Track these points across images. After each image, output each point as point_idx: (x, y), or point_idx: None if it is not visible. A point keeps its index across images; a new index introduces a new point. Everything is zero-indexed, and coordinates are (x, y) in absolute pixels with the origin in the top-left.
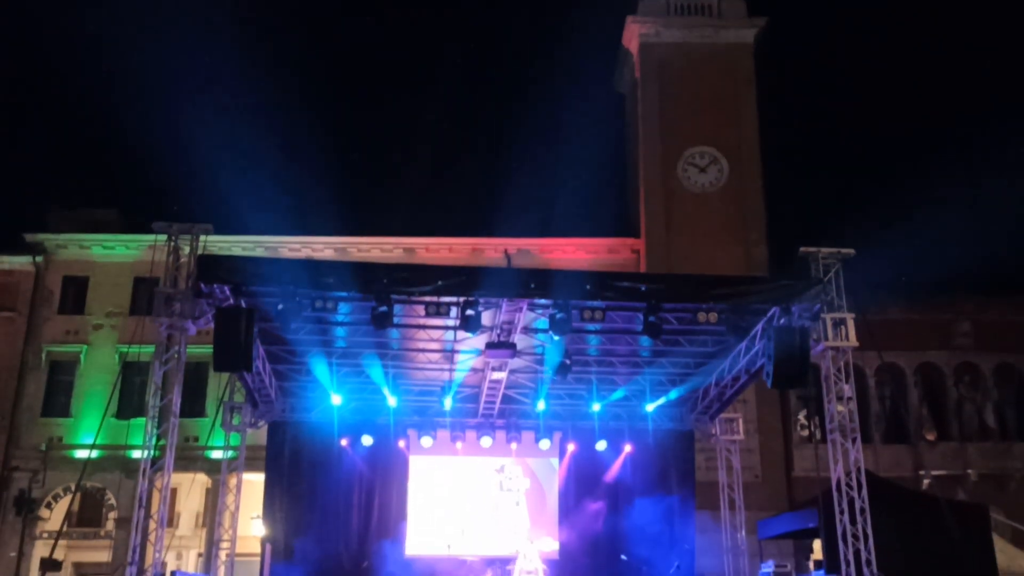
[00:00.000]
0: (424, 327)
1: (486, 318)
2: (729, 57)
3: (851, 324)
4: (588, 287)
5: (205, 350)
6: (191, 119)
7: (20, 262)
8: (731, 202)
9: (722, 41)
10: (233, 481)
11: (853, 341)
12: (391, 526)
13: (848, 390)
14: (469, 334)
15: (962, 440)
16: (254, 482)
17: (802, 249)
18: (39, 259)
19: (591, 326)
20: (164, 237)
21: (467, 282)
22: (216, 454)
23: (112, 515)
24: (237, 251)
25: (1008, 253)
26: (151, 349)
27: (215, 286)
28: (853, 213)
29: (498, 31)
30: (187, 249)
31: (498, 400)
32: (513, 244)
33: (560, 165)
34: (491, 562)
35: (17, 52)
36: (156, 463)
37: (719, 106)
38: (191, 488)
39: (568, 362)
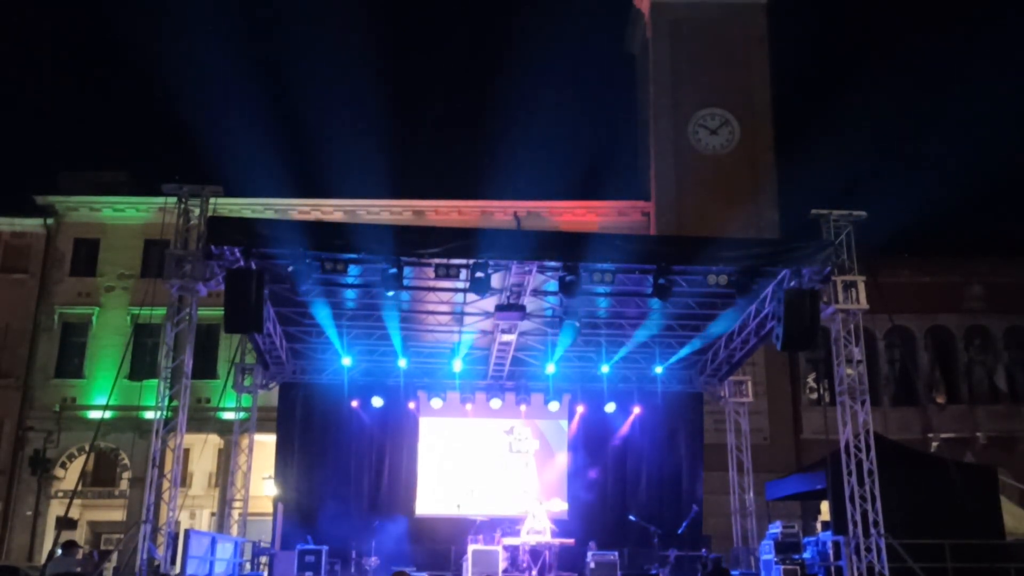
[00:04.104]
0: (434, 289)
1: (496, 280)
2: (742, 16)
3: (861, 287)
4: (598, 249)
5: (216, 312)
6: (202, 82)
7: (31, 224)
8: (742, 164)
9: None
10: (245, 442)
11: (863, 304)
12: (401, 486)
13: (858, 353)
14: (479, 296)
15: (971, 403)
16: (266, 443)
17: (813, 211)
18: (50, 221)
19: (600, 288)
20: (174, 199)
21: (477, 244)
22: (228, 415)
23: (126, 475)
24: (247, 213)
25: (1021, 215)
26: (163, 311)
27: (225, 248)
28: (865, 175)
29: None
30: (197, 211)
31: (507, 362)
32: (523, 207)
33: (570, 128)
34: (500, 522)
35: (26, 15)
36: (169, 424)
37: (731, 67)
38: (203, 449)
39: (577, 324)
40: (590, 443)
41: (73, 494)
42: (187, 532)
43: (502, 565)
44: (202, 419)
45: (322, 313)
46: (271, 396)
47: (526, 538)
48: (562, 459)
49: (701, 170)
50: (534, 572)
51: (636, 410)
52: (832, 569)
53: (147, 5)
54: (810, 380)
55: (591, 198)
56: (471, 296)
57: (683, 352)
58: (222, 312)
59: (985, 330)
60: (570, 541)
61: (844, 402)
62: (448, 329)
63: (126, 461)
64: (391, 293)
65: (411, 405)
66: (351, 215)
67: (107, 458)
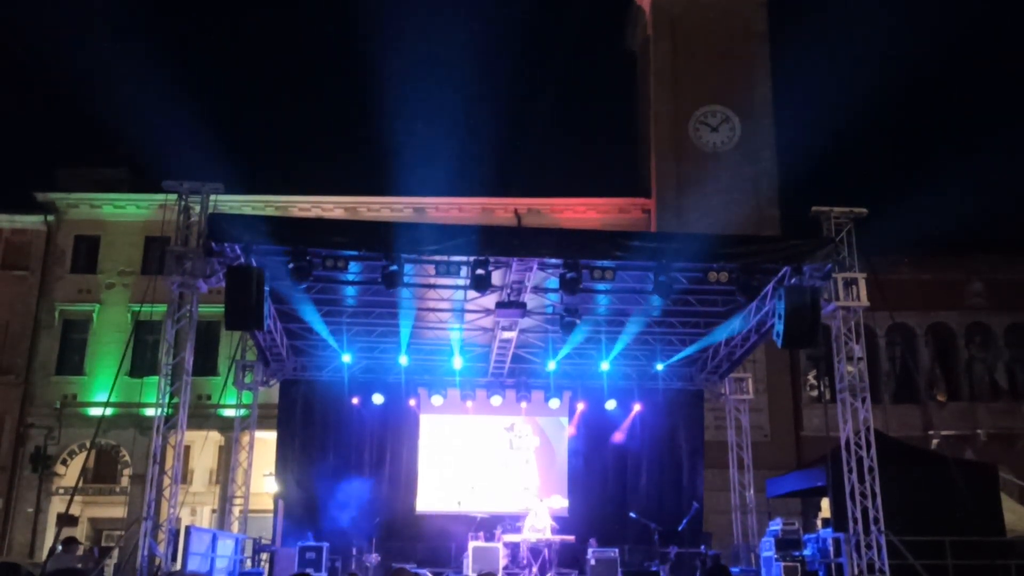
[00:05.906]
0: (434, 286)
1: (496, 277)
2: (743, 13)
3: (862, 284)
4: (598, 246)
5: (217, 309)
6: (202, 80)
7: (32, 221)
8: (743, 161)
9: None
10: (245, 439)
11: (864, 301)
12: (402, 483)
13: (858, 350)
14: (479, 293)
15: (972, 400)
16: (266, 440)
17: (814, 208)
18: (51, 218)
19: (601, 285)
20: (175, 196)
21: (477, 241)
22: (228, 412)
23: (127, 472)
24: (247, 210)
25: (1022, 212)
26: (163, 308)
27: (226, 245)
28: (866, 172)
29: None
30: (198, 208)
31: (508, 359)
32: (523, 204)
33: (571, 125)
34: (501, 519)
35: (23, 10)
36: (169, 421)
37: (732, 64)
38: (204, 445)
39: (577, 321)
40: (591, 440)
41: (74, 491)
42: (188, 529)
43: (503, 562)
44: (203, 416)
45: (322, 310)
46: (272, 393)
47: (527, 535)
48: (562, 456)
49: (702, 167)
50: (535, 569)
51: (637, 407)
52: (832, 566)
53: (141, 5)
54: (811, 377)
55: (592, 195)
56: (471, 293)
57: (687, 351)
58: (223, 309)
59: (986, 327)
60: (570, 538)
61: (845, 399)
62: (448, 326)
63: (127, 458)
64: (391, 290)
65: (412, 402)
66: (351, 212)
67: (108, 455)
